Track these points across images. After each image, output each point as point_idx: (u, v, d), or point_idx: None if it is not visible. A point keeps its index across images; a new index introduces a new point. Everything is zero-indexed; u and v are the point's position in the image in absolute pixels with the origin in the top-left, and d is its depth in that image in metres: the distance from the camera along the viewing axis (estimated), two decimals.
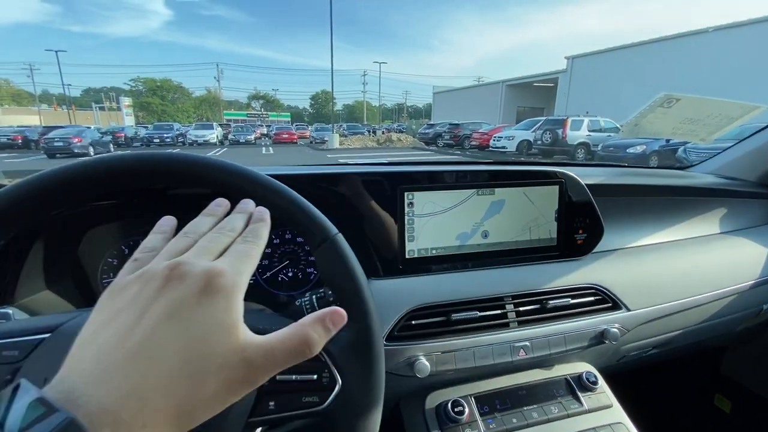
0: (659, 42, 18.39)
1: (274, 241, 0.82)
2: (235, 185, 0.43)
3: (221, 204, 0.36)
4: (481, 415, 0.66)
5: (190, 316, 0.24)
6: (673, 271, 0.87)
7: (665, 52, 17.70)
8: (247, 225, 0.34)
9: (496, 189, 0.73)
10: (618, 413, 0.71)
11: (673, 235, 0.97)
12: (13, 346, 0.37)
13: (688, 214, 1.03)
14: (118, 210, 0.73)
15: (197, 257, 0.28)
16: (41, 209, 0.38)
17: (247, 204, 0.37)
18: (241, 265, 0.28)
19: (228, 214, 0.35)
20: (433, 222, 0.71)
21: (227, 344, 0.25)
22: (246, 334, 0.26)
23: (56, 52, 42.82)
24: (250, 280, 0.87)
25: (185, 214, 0.78)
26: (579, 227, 0.80)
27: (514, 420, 0.66)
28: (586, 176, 0.84)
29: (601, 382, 0.74)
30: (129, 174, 0.40)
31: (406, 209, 0.70)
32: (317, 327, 0.29)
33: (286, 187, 0.46)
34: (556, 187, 0.77)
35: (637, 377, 1.36)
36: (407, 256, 0.71)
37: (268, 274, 0.82)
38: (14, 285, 0.61)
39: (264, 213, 0.36)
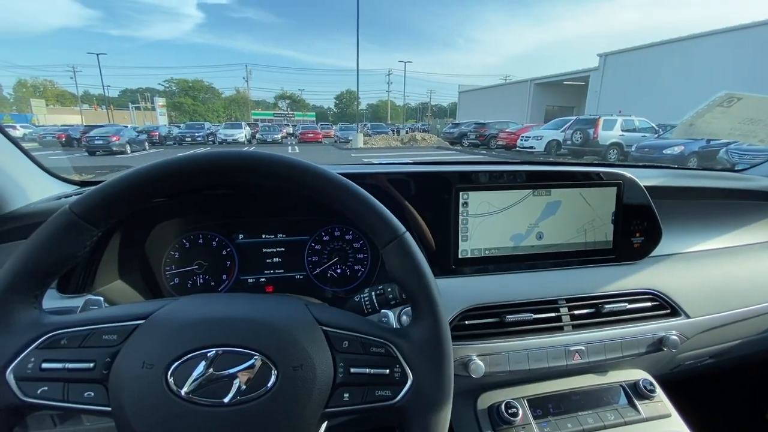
0: (698, 38, 17.49)
1: (324, 238, 0.84)
2: (313, 185, 0.45)
3: None
4: (534, 418, 0.66)
5: None
6: (733, 278, 0.83)
7: (707, 49, 16.82)
8: None
9: (553, 190, 0.72)
10: (677, 423, 0.69)
11: (731, 241, 0.93)
12: (112, 331, 0.40)
13: (747, 219, 0.98)
14: (180, 205, 0.77)
15: None
16: (162, 192, 0.43)
17: None
18: None
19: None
20: (487, 222, 0.71)
21: None
22: None
23: (97, 54, 44.99)
24: (300, 275, 0.89)
25: (237, 209, 0.81)
26: (636, 230, 0.77)
27: (569, 425, 0.65)
28: (643, 178, 0.81)
29: (659, 390, 0.72)
30: (235, 168, 0.43)
31: (461, 209, 0.70)
32: None
33: (358, 186, 0.47)
34: (614, 189, 0.75)
35: (690, 387, 1.31)
36: (460, 256, 0.71)
37: (318, 270, 0.84)
38: (94, 275, 0.65)
39: None
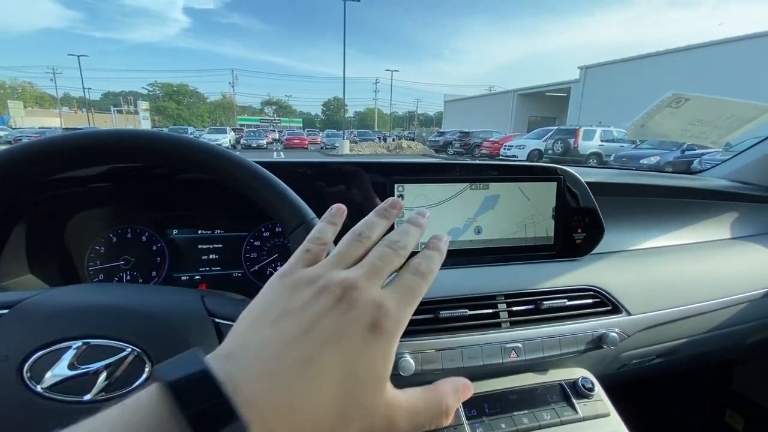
0: (675, 53, 18.18)
1: (264, 234, 0.81)
2: (216, 167, 0.42)
3: (396, 206, 0.32)
4: (468, 418, 0.63)
5: (352, 349, 0.23)
6: (678, 275, 0.82)
7: (681, 63, 17.48)
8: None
9: (491, 183, 0.70)
10: (615, 423, 0.67)
11: (679, 239, 0.93)
12: None
13: (696, 218, 0.99)
14: (107, 195, 0.73)
15: (369, 281, 0.26)
16: (38, 172, 0.40)
17: (423, 217, 0.32)
18: (407, 307, 0.26)
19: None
20: None
21: (376, 395, 0.23)
22: (392, 388, 0.24)
23: (78, 56, 44.13)
24: (238, 273, 0.85)
25: (172, 202, 0.77)
26: (578, 226, 0.76)
27: (503, 425, 0.63)
28: (588, 175, 0.80)
29: (598, 389, 0.70)
30: (120, 148, 0.40)
31: None
32: (454, 397, 0.27)
33: (263, 168, 0.44)
34: (554, 184, 0.74)
35: (643, 389, 1.30)
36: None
37: (256, 267, 0.81)
38: None
39: (442, 243, 0.31)
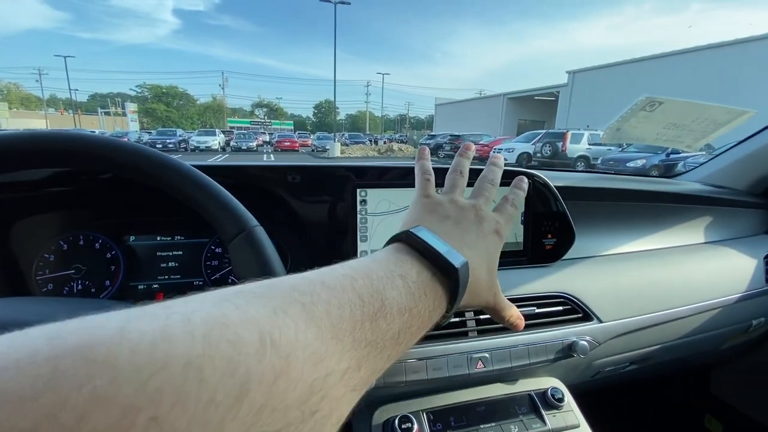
0: (660, 58, 18.52)
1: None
2: (147, 171, 0.39)
3: (470, 148, 0.49)
4: None
5: (489, 243, 0.38)
6: (650, 281, 0.81)
7: (666, 68, 17.82)
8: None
9: None
10: None
11: (653, 244, 0.92)
12: None
13: (670, 222, 0.98)
14: (57, 200, 0.69)
15: (486, 205, 0.41)
16: None
17: (499, 159, 0.49)
18: (508, 223, 0.42)
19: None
20: (388, 222, 0.66)
21: (494, 274, 0.39)
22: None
23: (65, 57, 43.49)
24: (199, 281, 0.81)
25: (129, 207, 0.74)
26: (548, 232, 0.75)
27: None
28: (558, 179, 0.79)
29: (569, 398, 0.69)
30: (22, 152, 0.36)
31: (359, 207, 0.65)
32: (519, 321, 0.45)
33: (198, 171, 0.42)
34: None
35: (620, 396, 1.29)
36: (359, 257, 0.66)
37: (217, 275, 0.77)
38: None
39: (524, 183, 0.48)
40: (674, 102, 1.01)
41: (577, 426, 0.66)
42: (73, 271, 0.71)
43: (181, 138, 22.02)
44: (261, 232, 0.42)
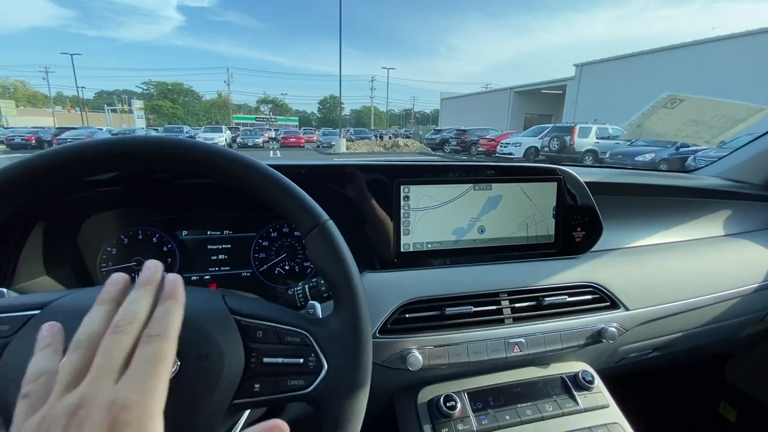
0: (668, 50, 18.28)
1: (272, 234, 0.83)
2: (223, 168, 0.43)
3: (117, 282, 0.31)
4: (473, 410, 0.66)
5: None
6: (673, 271, 0.85)
7: (675, 60, 17.58)
8: (155, 304, 0.29)
9: (493, 184, 0.73)
10: (615, 414, 0.70)
11: (674, 237, 0.96)
12: (4, 321, 0.38)
13: (690, 216, 1.01)
14: (118, 198, 0.74)
15: (97, 385, 0.25)
16: (59, 179, 0.41)
17: (151, 272, 0.31)
18: (150, 381, 0.25)
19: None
20: (429, 216, 0.71)
21: None
22: None
23: (71, 55, 43.75)
24: (247, 272, 0.87)
25: (182, 204, 0.79)
26: (577, 225, 0.79)
27: (507, 417, 0.65)
28: (586, 174, 0.83)
29: (598, 381, 0.73)
30: (143, 154, 0.42)
31: (402, 202, 0.70)
32: None
33: (277, 172, 0.46)
34: (554, 184, 0.76)
35: (640, 382, 1.33)
36: (402, 250, 0.71)
37: (265, 267, 0.83)
38: (13, 269, 0.62)
39: (176, 284, 0.31)
40: (695, 99, 1.05)
41: (606, 406, 0.71)
42: (134, 263, 0.76)
43: (187, 135, 22.12)
44: (333, 226, 0.47)
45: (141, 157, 0.43)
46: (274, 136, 29.11)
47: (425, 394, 0.68)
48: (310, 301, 0.53)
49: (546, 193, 0.76)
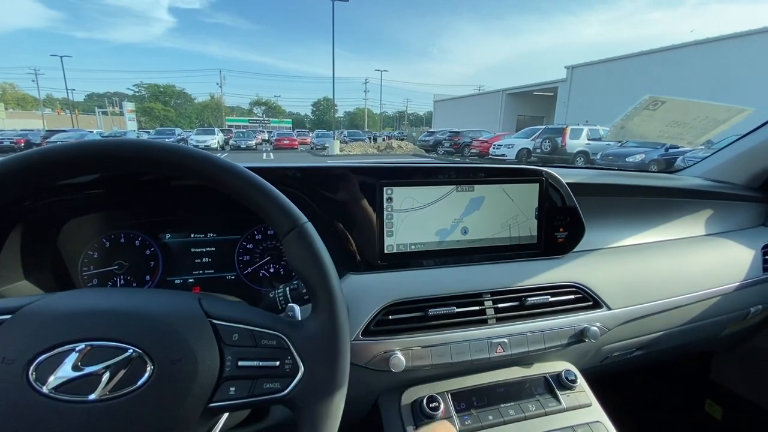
0: (657, 53, 18.55)
1: (257, 237, 0.82)
2: (199, 170, 0.43)
3: None
4: (457, 411, 0.66)
5: None
6: (655, 271, 0.86)
7: (663, 62, 17.85)
8: None
9: (476, 185, 0.73)
10: (597, 412, 0.71)
11: (657, 236, 0.97)
12: None
13: (672, 216, 1.03)
14: (100, 201, 0.74)
15: None
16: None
17: None
18: None
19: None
20: (412, 217, 0.71)
21: None
22: None
23: (61, 57, 43.24)
24: (231, 275, 0.87)
25: (165, 207, 0.78)
26: (560, 226, 0.80)
27: (490, 417, 0.66)
28: (569, 175, 0.84)
29: (581, 380, 0.74)
30: (121, 158, 0.41)
31: (385, 204, 0.70)
32: None
33: (254, 174, 0.46)
34: (536, 185, 0.77)
35: (626, 381, 1.35)
36: (386, 251, 0.71)
37: (249, 269, 0.82)
38: None
39: None
40: (676, 101, 1.06)
41: (589, 405, 0.71)
42: (116, 267, 0.76)
43: (179, 137, 21.96)
44: (311, 228, 0.47)
45: (107, 159, 0.42)
46: (267, 138, 29.01)
47: (409, 396, 0.68)
48: (289, 304, 0.53)
49: (528, 194, 0.76)
